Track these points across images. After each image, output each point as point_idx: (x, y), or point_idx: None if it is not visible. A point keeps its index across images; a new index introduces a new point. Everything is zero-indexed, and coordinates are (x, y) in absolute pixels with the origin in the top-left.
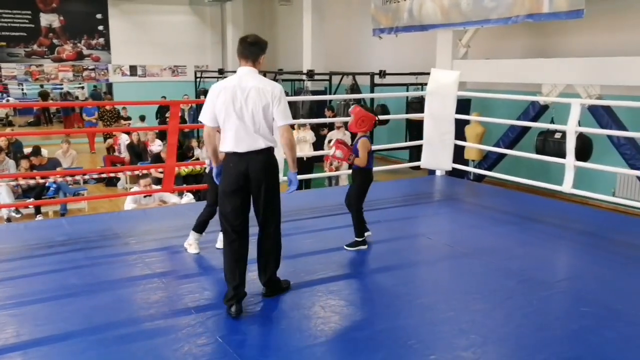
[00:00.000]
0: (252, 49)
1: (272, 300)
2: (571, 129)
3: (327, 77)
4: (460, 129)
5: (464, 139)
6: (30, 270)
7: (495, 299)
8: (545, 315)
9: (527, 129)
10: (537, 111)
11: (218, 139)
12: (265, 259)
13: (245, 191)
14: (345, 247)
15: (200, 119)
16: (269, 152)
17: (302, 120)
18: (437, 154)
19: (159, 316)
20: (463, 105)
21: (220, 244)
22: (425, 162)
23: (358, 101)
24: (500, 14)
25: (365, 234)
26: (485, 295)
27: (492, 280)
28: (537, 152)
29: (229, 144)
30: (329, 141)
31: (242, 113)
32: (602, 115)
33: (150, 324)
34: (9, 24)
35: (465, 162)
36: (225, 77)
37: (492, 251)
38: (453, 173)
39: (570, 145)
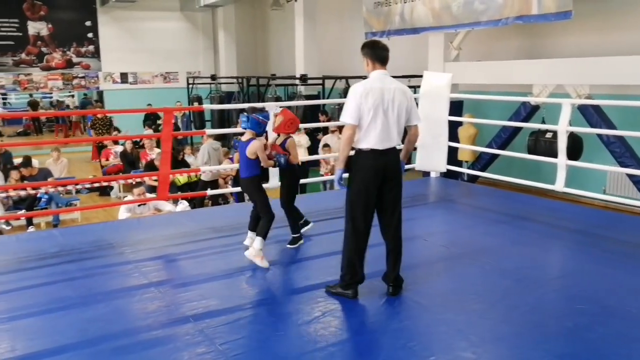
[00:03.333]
0: (387, 54)
1: (272, 307)
2: (562, 128)
3: (320, 81)
4: (453, 130)
5: (457, 141)
6: (22, 284)
7: (491, 298)
8: (541, 314)
9: (519, 129)
10: (529, 111)
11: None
12: (395, 254)
13: (377, 187)
14: (287, 245)
15: (346, 119)
16: (398, 150)
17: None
18: (431, 155)
19: (157, 326)
20: (456, 107)
21: (248, 241)
22: (420, 164)
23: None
24: (490, 16)
25: (305, 228)
26: (481, 295)
27: (488, 280)
28: (529, 152)
29: (371, 141)
30: (324, 145)
31: (388, 113)
32: (591, 114)
33: (148, 334)
34: None
35: (459, 164)
36: (218, 83)
37: (486, 251)
38: (447, 174)
39: (562, 144)
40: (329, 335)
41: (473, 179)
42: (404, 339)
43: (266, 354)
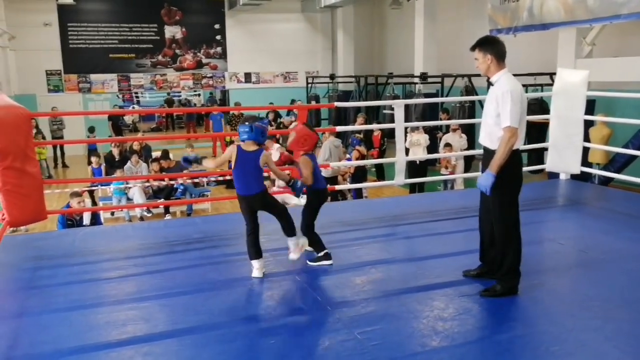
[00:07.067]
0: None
1: (405, 301)
2: None
3: (438, 79)
4: (584, 130)
5: (588, 142)
6: (175, 265)
7: None
8: None
9: None
10: None
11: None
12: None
13: None
14: (308, 262)
15: (514, 123)
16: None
17: (416, 123)
18: (564, 156)
19: (297, 312)
20: (587, 106)
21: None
22: (551, 165)
23: (470, 103)
24: (632, 9)
25: (323, 262)
26: (630, 304)
27: (636, 288)
28: None
29: (519, 142)
30: (446, 144)
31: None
32: None
33: (289, 319)
34: (138, 37)
35: (589, 166)
36: (336, 82)
37: (630, 257)
38: (576, 177)
39: None
40: (466, 333)
41: (605, 182)
42: (546, 343)
43: (404, 346)
